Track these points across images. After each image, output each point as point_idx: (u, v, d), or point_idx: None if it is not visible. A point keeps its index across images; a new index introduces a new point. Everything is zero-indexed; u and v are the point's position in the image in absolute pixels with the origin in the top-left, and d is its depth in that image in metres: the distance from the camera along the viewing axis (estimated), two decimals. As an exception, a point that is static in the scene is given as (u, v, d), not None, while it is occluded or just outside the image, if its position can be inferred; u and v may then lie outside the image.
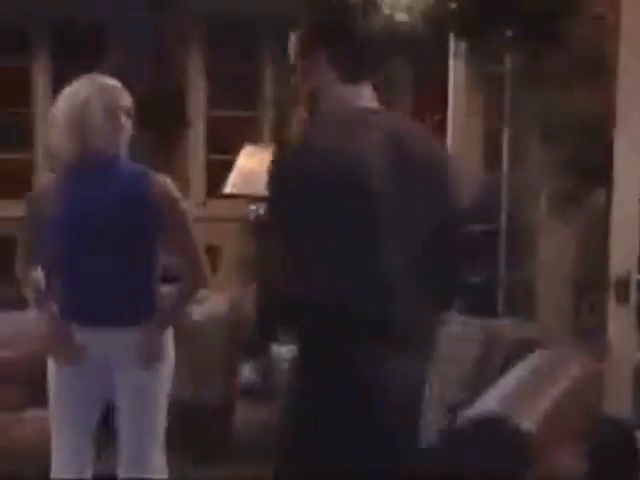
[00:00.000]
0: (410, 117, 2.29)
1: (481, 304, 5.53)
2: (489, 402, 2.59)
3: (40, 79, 6.35)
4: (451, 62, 5.56)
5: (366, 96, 2.08)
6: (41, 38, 6.32)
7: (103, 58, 6.22)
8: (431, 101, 6.09)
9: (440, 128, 5.76)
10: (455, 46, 5.37)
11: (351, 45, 2.05)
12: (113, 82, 2.62)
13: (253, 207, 4.74)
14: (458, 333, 3.15)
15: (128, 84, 2.66)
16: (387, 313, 1.95)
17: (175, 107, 6.25)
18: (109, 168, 2.59)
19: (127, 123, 2.60)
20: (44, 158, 6.37)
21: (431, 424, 2.60)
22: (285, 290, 1.92)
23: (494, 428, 2.44)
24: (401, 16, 5.62)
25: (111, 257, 2.59)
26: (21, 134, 6.40)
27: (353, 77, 2.06)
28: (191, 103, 6.47)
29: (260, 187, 4.39)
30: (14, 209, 5.97)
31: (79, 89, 2.58)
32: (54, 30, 6.35)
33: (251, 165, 4.50)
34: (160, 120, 6.09)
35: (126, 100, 2.61)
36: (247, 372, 2.90)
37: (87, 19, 6.15)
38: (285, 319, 2.02)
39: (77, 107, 2.55)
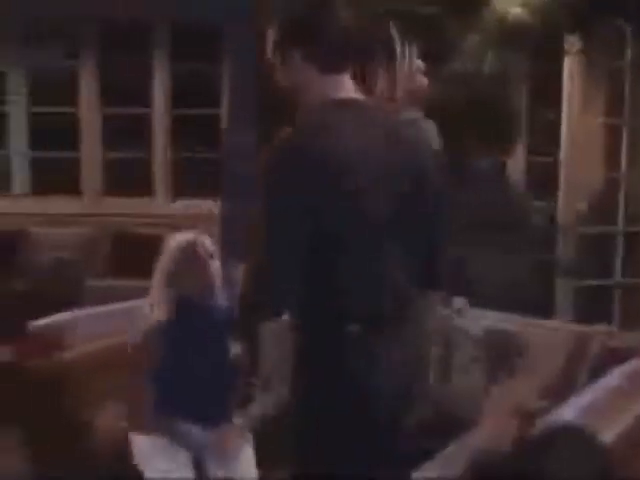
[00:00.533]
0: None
1: (596, 309, 5.35)
2: (568, 411, 2.48)
3: (158, 78, 6.52)
4: (566, 57, 5.40)
5: (347, 87, 2.10)
6: (161, 38, 6.49)
7: (220, 61, 6.32)
8: (546, 98, 5.92)
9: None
10: (570, 41, 5.21)
11: (324, 39, 2.06)
12: (195, 234, 3.05)
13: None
14: (547, 339, 3.04)
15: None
16: (384, 303, 2.02)
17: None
18: (208, 303, 3.02)
19: (214, 266, 2.99)
20: (162, 158, 6.56)
21: (508, 430, 2.52)
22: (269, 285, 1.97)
23: (569, 438, 2.33)
24: (515, 11, 5.49)
25: (214, 369, 2.98)
26: (139, 133, 6.58)
27: (331, 69, 2.08)
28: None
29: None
30: (134, 206, 6.28)
31: (174, 242, 3.05)
32: (175, 30, 6.49)
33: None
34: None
35: (207, 244, 3.01)
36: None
37: (205, 20, 6.26)
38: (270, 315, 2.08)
39: (170, 257, 3.01)
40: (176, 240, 3.07)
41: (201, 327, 3.00)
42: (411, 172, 2.08)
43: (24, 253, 5.96)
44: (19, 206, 6.42)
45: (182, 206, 6.38)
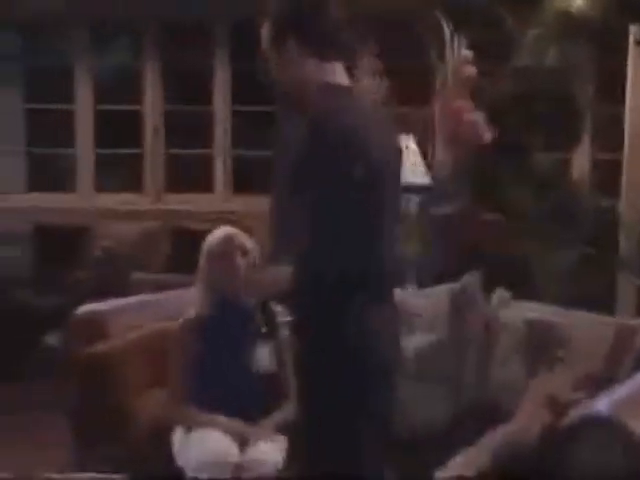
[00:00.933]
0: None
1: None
2: (601, 403, 2.41)
3: (221, 77, 6.58)
4: (631, 49, 5.25)
5: (342, 74, 2.21)
6: (223, 37, 6.54)
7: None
8: (611, 93, 5.77)
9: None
10: (635, 32, 5.07)
11: (319, 25, 2.18)
12: (231, 230, 3.12)
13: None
14: (590, 331, 2.96)
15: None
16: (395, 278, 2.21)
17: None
18: (240, 300, 3.05)
19: (241, 262, 3.03)
20: (221, 153, 6.62)
21: (540, 422, 2.45)
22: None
23: (598, 430, 2.26)
24: (577, 3, 5.36)
25: (246, 366, 2.98)
26: (203, 130, 6.66)
27: (327, 55, 2.18)
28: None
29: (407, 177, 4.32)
30: (198, 202, 6.33)
31: (210, 238, 3.13)
32: (236, 29, 6.53)
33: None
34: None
35: (242, 241, 3.06)
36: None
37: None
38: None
39: (205, 253, 3.11)
40: (212, 236, 3.12)
41: (234, 323, 3.02)
42: (397, 147, 2.31)
43: (87, 246, 6.07)
44: (84, 202, 6.55)
45: (241, 203, 6.42)
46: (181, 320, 3.07)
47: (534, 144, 5.32)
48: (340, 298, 2.04)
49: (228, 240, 3.07)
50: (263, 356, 2.85)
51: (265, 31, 2.23)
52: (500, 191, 5.06)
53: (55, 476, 2.79)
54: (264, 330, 2.66)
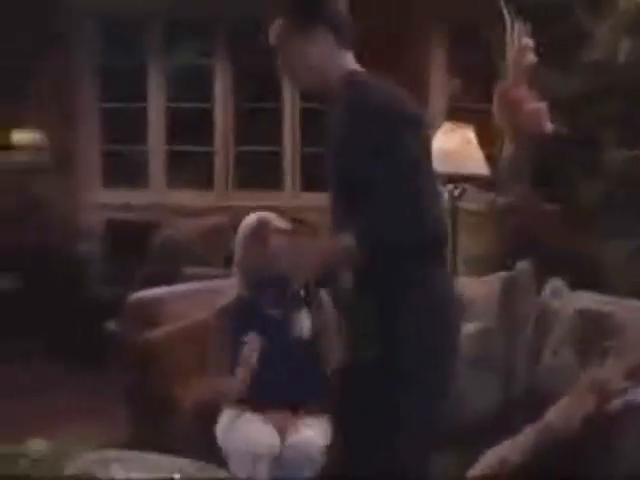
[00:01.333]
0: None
1: None
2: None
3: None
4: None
5: (353, 60, 2.33)
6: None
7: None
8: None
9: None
10: None
11: (340, 14, 2.31)
12: (267, 214, 3.15)
13: (450, 186, 4.59)
14: (632, 320, 2.89)
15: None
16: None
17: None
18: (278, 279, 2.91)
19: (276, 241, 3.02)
20: (290, 153, 6.66)
21: (583, 409, 2.39)
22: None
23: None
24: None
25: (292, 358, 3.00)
26: (270, 128, 6.71)
27: (350, 41, 2.30)
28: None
29: (460, 166, 4.28)
30: (267, 200, 6.38)
31: (244, 222, 3.18)
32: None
33: (450, 144, 4.36)
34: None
35: (276, 225, 3.07)
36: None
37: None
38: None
39: (239, 237, 3.16)
40: (246, 221, 3.17)
41: (272, 304, 3.02)
42: (422, 115, 2.40)
43: (154, 242, 6.17)
44: (156, 198, 6.66)
45: (309, 200, 6.44)
46: (220, 304, 3.09)
47: (607, 140, 5.20)
48: (402, 264, 2.13)
49: (262, 224, 3.09)
50: (304, 323, 2.84)
51: (278, 26, 2.34)
52: (568, 183, 4.97)
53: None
54: (303, 296, 2.65)
